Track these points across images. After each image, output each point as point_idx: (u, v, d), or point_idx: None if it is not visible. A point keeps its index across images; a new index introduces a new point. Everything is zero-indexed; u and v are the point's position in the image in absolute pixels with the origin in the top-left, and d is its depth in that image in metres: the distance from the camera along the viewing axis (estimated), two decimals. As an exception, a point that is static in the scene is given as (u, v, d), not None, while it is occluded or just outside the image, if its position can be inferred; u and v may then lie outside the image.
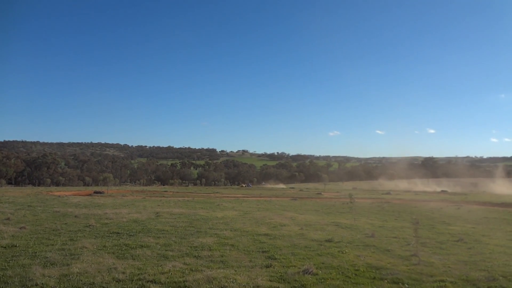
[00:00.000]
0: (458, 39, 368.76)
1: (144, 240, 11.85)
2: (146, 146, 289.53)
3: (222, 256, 9.81)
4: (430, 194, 58.51)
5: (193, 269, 8.37)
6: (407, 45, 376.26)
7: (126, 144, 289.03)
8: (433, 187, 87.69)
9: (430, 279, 8.04)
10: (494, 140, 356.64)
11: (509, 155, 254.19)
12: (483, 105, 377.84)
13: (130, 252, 10.04)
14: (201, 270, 8.25)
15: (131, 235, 12.79)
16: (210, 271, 8.21)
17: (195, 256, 9.74)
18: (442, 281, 7.85)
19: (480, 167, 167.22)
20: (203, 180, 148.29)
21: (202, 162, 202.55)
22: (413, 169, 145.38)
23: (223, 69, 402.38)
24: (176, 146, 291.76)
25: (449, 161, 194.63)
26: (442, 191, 70.42)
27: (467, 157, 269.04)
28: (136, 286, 7.04)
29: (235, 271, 8.30)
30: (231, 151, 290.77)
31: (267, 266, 8.82)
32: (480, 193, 64.79)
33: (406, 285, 7.51)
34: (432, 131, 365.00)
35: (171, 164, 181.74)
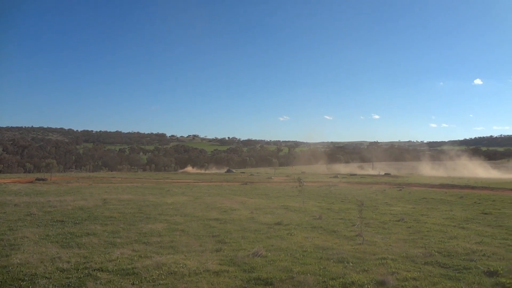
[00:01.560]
0: (402, 30, 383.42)
1: (91, 227, 11.52)
2: (92, 130, 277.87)
3: (172, 242, 9.76)
4: (375, 177, 61.13)
5: (142, 255, 8.27)
6: (353, 33, 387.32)
7: (70, 129, 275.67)
8: (377, 170, 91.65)
9: (372, 257, 8.47)
10: (433, 125, 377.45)
11: (447, 140, 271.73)
12: (423, 92, 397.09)
13: (76, 240, 9.72)
14: (150, 256, 8.17)
15: (76, 223, 12.38)
16: (160, 257, 8.15)
17: (144, 243, 9.62)
18: (384, 258, 8.30)
19: (421, 151, 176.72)
20: (153, 165, 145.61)
21: (151, 147, 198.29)
22: (359, 153, 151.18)
23: (172, 52, 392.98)
24: (125, 130, 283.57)
25: (392, 145, 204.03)
26: (386, 174, 73.66)
27: (409, 141, 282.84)
28: (82, 275, 6.85)
29: (185, 256, 8.30)
30: (182, 136, 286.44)
31: (217, 250, 8.89)
32: (419, 176, 68.53)
33: (351, 264, 7.87)
34: (376, 116, 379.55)
35: (119, 150, 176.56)
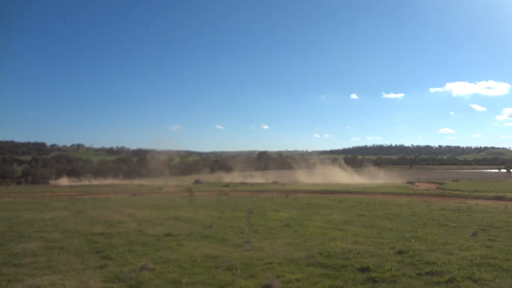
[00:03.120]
0: (289, 47, 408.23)
1: None
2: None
3: (48, 261, 8.93)
4: (264, 185, 63.42)
5: (12, 279, 7.42)
6: (242, 47, 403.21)
7: None
8: (266, 178, 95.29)
9: (260, 262, 8.78)
10: (316, 135, 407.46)
11: (328, 149, 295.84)
12: (308, 105, 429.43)
13: None
14: (22, 280, 7.38)
15: None
16: (34, 279, 7.41)
17: (15, 265, 8.63)
18: (270, 263, 8.66)
19: (306, 159, 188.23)
20: (30, 178, 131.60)
21: (28, 158, 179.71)
22: (250, 162, 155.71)
23: (52, 52, 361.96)
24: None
25: (280, 154, 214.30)
26: (274, 182, 76.81)
27: (295, 150, 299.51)
28: None
29: (64, 276, 7.67)
30: (64, 145, 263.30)
31: (101, 267, 8.39)
32: (303, 183, 72.84)
33: (239, 270, 8.05)
34: (266, 126, 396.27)
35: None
